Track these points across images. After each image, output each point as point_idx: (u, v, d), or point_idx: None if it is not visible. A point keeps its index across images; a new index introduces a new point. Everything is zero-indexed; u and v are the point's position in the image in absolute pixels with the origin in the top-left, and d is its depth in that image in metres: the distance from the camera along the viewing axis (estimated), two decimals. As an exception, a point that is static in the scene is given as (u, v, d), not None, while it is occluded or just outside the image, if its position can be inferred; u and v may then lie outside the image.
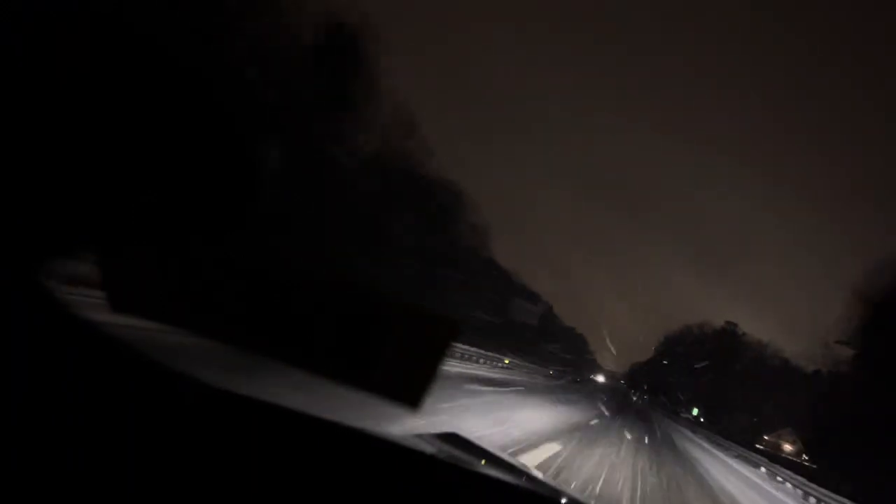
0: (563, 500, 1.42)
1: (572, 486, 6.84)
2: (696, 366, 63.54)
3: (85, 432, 0.66)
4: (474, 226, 41.33)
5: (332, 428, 0.93)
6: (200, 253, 0.72)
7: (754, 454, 28.42)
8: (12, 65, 0.56)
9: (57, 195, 0.61)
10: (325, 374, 0.71)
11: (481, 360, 23.08)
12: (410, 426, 1.36)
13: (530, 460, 7.26)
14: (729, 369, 60.13)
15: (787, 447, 47.13)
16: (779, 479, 21.03)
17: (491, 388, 14.95)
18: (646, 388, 78.17)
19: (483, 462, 1.40)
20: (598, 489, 7.46)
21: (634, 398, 67.73)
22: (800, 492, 18.36)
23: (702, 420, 56.90)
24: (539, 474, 1.80)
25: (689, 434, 34.64)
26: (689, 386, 64.08)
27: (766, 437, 49.69)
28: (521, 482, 1.34)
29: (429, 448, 1.26)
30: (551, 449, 8.87)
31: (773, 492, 18.06)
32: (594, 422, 17.16)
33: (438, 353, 0.73)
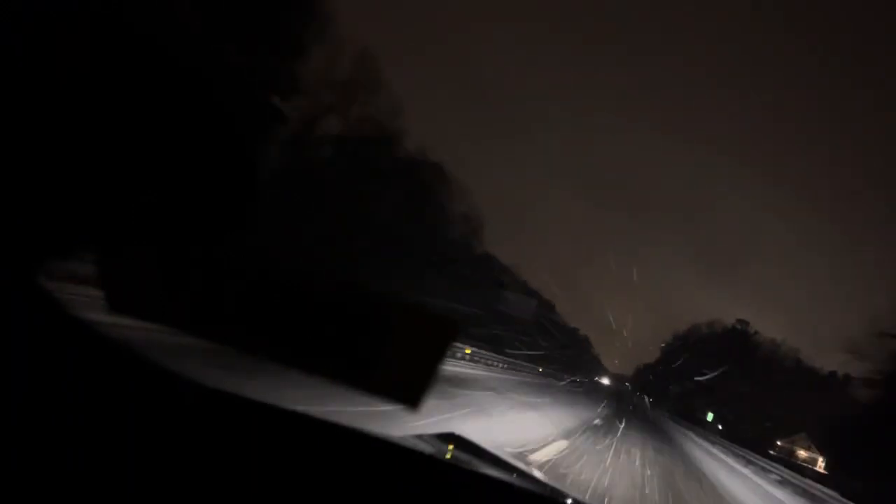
0: (564, 501, 1.42)
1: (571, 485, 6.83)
2: (704, 367, 59.47)
3: (85, 433, 0.66)
4: (466, 215, 39.20)
5: (332, 428, 0.93)
6: (200, 253, 0.72)
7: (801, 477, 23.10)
8: (12, 65, 0.56)
9: (57, 195, 0.61)
10: (324, 375, 0.71)
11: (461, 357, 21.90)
12: (410, 426, 1.36)
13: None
14: (740, 370, 56.66)
15: (802, 453, 44.94)
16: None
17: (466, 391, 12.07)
18: (652, 390, 74.43)
19: (483, 462, 1.40)
20: (600, 490, 7.44)
21: (640, 400, 63.72)
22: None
23: (720, 427, 52.03)
24: (540, 475, 1.80)
25: (717, 453, 27.41)
26: (698, 388, 60.10)
27: (778, 443, 46.96)
28: (522, 482, 1.33)
29: (428, 448, 1.26)
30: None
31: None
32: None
33: (438, 352, 0.73)
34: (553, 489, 1.52)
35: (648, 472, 10.60)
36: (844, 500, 17.91)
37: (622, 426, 18.30)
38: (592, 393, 40.64)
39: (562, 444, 9.33)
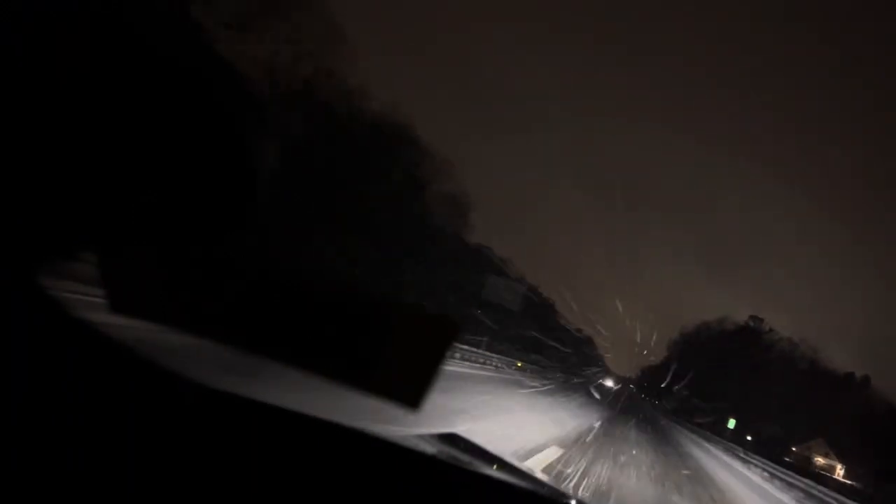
0: (565, 501, 1.42)
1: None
2: (716, 367, 54.69)
3: (85, 432, 0.66)
4: (452, 197, 34.67)
5: (332, 428, 0.93)
6: (200, 253, 0.73)
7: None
8: (12, 64, 0.56)
9: (57, 195, 0.61)
10: (324, 374, 0.71)
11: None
12: (410, 426, 1.36)
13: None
14: (754, 371, 52.18)
15: (819, 460, 41.88)
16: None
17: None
18: (659, 392, 68.29)
19: (484, 463, 1.40)
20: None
21: (645, 402, 58.39)
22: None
23: (748, 439, 43.88)
24: (541, 475, 1.80)
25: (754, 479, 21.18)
26: (709, 390, 54.91)
27: (794, 449, 43.21)
28: (523, 483, 1.33)
29: (429, 448, 1.26)
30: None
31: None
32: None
33: (438, 352, 0.73)
34: (555, 490, 1.51)
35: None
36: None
37: (628, 435, 16.03)
38: (595, 395, 37.44)
39: (556, 452, 8.60)
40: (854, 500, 18.49)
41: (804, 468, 34.17)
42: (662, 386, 66.47)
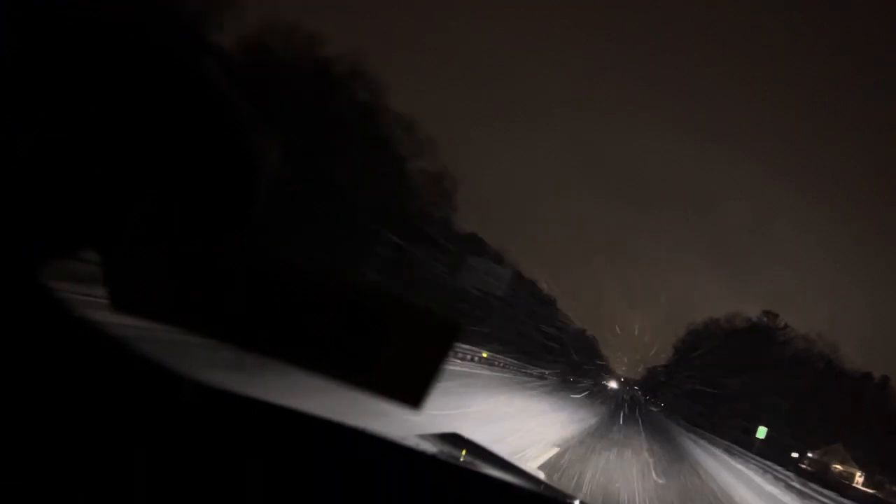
0: (567, 502, 1.41)
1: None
2: (727, 367, 49.13)
3: (85, 433, 0.66)
4: (434, 175, 31.90)
5: (333, 428, 0.92)
6: (201, 252, 0.72)
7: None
8: (12, 63, 0.55)
9: (58, 194, 0.61)
10: (325, 374, 0.70)
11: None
12: (412, 426, 1.36)
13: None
14: (766, 370, 46.81)
15: (837, 467, 38.22)
16: None
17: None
18: (667, 395, 62.07)
19: (486, 463, 1.39)
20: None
21: (652, 408, 52.66)
22: None
23: (799, 459, 37.74)
24: (542, 476, 1.80)
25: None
26: (721, 392, 49.27)
27: (809, 455, 38.98)
28: (524, 483, 1.33)
29: (430, 448, 1.26)
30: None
31: None
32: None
33: (440, 352, 0.73)
34: (556, 490, 1.51)
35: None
36: None
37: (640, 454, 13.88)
38: (597, 398, 34.40)
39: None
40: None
41: (821, 476, 31.41)
42: (670, 387, 60.29)
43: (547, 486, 1.54)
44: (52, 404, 0.64)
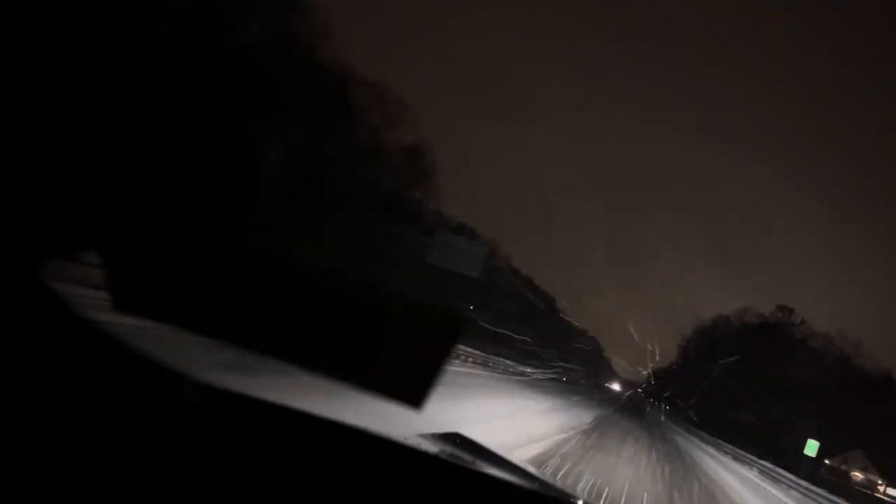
0: (568, 502, 1.41)
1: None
2: (741, 366, 44.12)
3: (85, 433, 0.66)
4: (411, 149, 29.46)
5: (333, 428, 0.92)
6: (201, 252, 0.72)
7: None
8: (12, 63, 0.56)
9: (58, 194, 0.61)
10: (325, 374, 0.70)
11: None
12: (412, 426, 1.36)
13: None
14: (780, 371, 42.19)
15: (857, 474, 35.20)
16: None
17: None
18: (675, 398, 55.56)
19: (487, 463, 1.39)
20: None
21: (657, 413, 45.77)
22: None
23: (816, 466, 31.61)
24: (544, 476, 1.79)
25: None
26: (736, 395, 44.27)
27: (827, 462, 35.29)
28: (525, 483, 1.33)
29: (431, 448, 1.26)
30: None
31: None
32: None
33: (442, 351, 0.72)
34: (557, 490, 1.51)
35: None
36: None
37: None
38: (599, 404, 30.10)
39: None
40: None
41: (840, 484, 28.01)
42: (679, 389, 54.87)
43: (549, 486, 1.54)
44: (53, 404, 0.64)
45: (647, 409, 42.92)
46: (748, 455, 28.18)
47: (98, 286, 0.69)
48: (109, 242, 0.69)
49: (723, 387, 46.58)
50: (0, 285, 0.61)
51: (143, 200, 0.65)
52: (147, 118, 0.60)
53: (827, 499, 22.23)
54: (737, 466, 23.30)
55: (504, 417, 10.53)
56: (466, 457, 1.33)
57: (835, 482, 28.23)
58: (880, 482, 33.32)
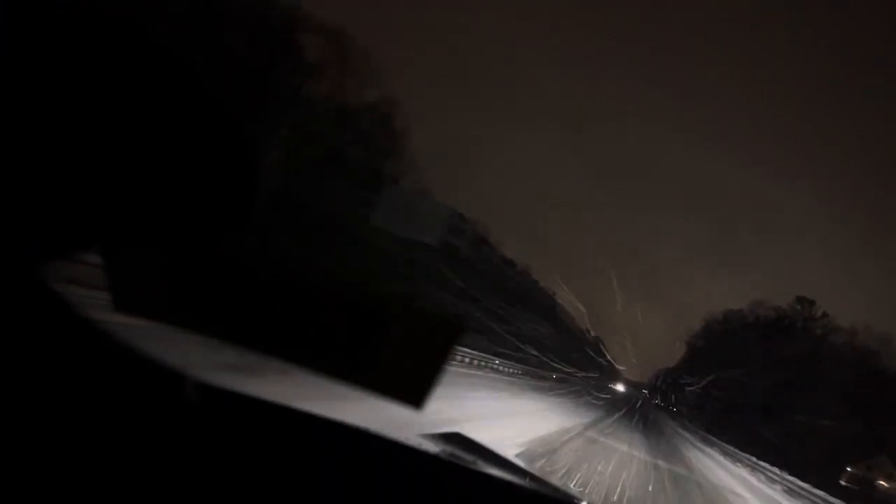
0: (569, 502, 1.41)
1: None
2: (759, 364, 39.33)
3: (85, 433, 0.65)
4: (378, 105, 27.04)
5: (334, 427, 0.92)
6: (201, 252, 0.72)
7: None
8: (12, 63, 0.55)
9: (58, 194, 0.61)
10: (326, 373, 0.70)
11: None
12: (412, 426, 1.36)
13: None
14: (800, 368, 37.82)
15: (882, 483, 31.28)
16: None
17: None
18: (677, 399, 50.51)
19: (488, 463, 1.39)
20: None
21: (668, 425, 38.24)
22: None
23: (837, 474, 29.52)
24: (544, 475, 1.79)
25: None
26: (745, 394, 40.05)
27: (849, 469, 31.41)
28: (526, 483, 1.33)
29: (432, 448, 1.25)
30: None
31: None
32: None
33: (442, 351, 0.72)
34: (559, 490, 1.51)
35: None
36: None
37: None
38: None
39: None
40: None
41: (863, 493, 24.80)
42: (689, 393, 48.51)
43: (550, 486, 1.54)
44: (53, 404, 0.64)
45: (652, 413, 39.47)
46: (773, 470, 24.78)
47: (98, 286, 0.69)
48: (109, 242, 0.68)
49: (737, 387, 42.13)
50: (0, 285, 0.61)
51: (142, 200, 0.64)
52: (147, 118, 0.60)
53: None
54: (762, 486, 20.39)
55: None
56: (466, 457, 1.33)
57: (856, 491, 25.77)
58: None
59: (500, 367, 24.72)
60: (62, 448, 0.64)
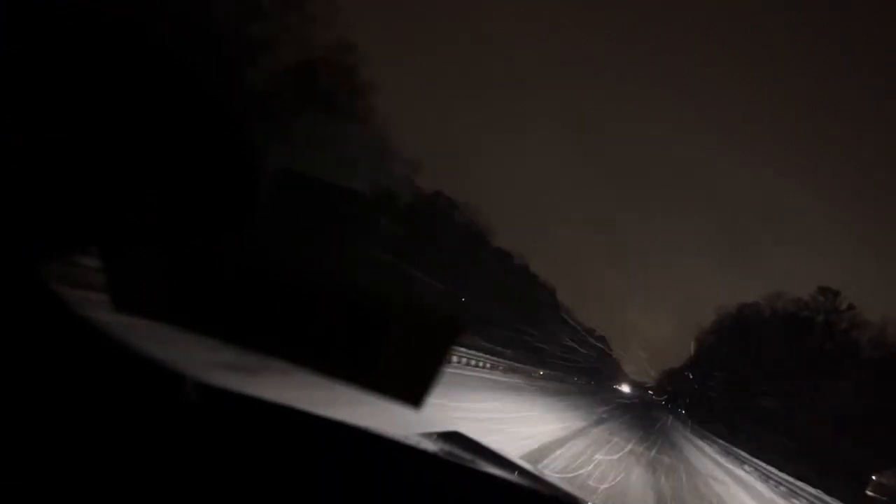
0: (570, 502, 1.41)
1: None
2: (774, 361, 35.17)
3: (85, 432, 0.66)
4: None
5: (334, 427, 0.92)
6: (201, 252, 0.72)
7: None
8: (12, 63, 0.56)
9: (58, 194, 0.61)
10: (326, 373, 0.70)
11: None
12: (412, 425, 1.36)
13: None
14: (825, 366, 34.04)
15: None
16: None
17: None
18: (688, 401, 46.53)
19: (487, 462, 1.39)
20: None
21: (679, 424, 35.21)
22: None
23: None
24: (545, 475, 1.79)
25: None
26: (762, 395, 36.09)
27: (873, 478, 25.95)
28: (526, 482, 1.33)
29: (432, 447, 1.25)
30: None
31: None
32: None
33: (440, 350, 0.73)
34: (559, 490, 1.51)
35: None
36: None
37: None
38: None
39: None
40: None
41: None
42: (700, 394, 44.79)
43: (551, 485, 1.54)
44: (53, 404, 0.64)
45: (658, 414, 36.28)
46: (789, 479, 21.92)
47: (98, 286, 0.70)
48: (109, 242, 0.69)
49: (750, 388, 38.49)
50: (0, 285, 0.61)
51: (143, 200, 0.65)
52: (147, 118, 0.61)
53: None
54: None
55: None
56: (466, 456, 1.33)
57: (884, 502, 22.91)
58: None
59: (501, 367, 24.80)
60: (62, 448, 0.64)
